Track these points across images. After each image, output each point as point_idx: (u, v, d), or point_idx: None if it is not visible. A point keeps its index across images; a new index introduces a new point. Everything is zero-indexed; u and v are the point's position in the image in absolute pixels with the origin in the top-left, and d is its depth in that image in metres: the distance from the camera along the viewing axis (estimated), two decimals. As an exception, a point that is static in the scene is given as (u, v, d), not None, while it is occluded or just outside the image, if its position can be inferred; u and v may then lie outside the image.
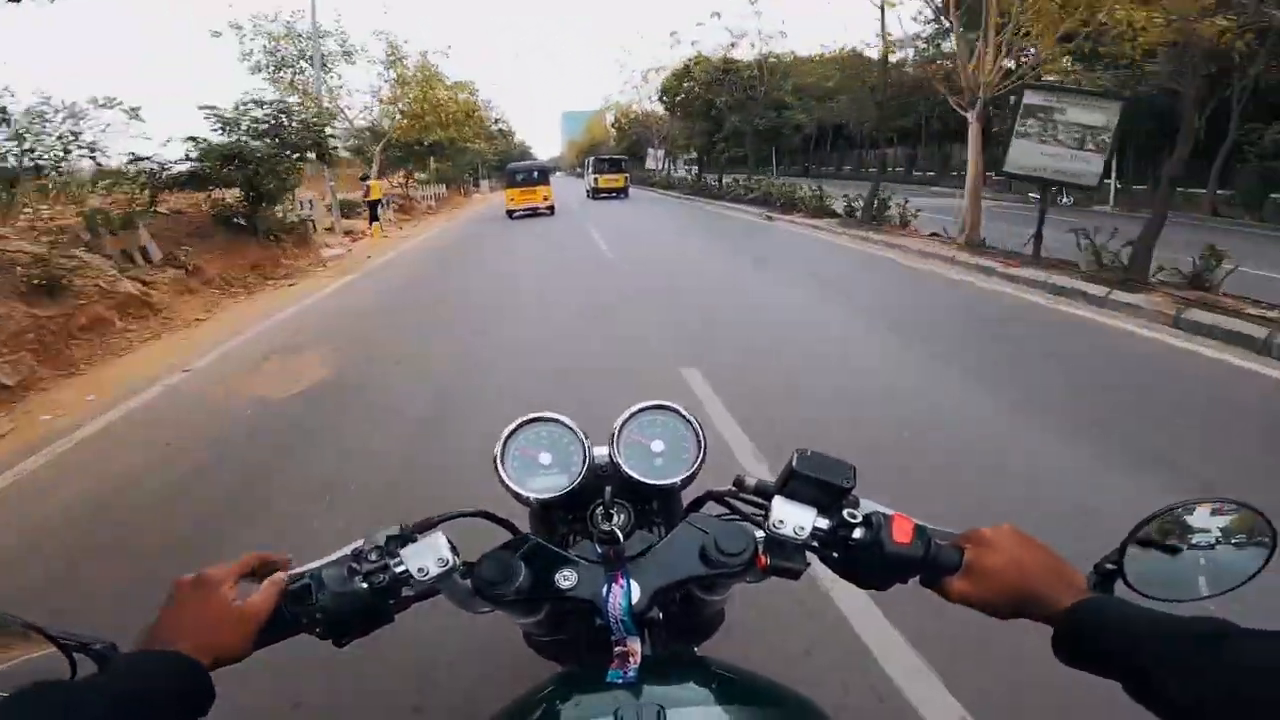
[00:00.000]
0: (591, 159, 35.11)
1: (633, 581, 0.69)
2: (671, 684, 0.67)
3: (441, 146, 26.40)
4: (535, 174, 22.56)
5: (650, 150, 40.69)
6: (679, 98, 29.61)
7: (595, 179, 30.00)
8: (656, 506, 0.83)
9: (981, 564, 0.64)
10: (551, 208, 22.18)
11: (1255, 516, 0.59)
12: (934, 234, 11.24)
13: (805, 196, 16.44)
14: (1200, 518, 0.60)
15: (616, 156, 34.37)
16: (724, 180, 26.70)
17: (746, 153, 27.84)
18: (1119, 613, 0.56)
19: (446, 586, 0.71)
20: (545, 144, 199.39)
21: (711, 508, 0.81)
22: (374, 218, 17.38)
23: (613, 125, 52.59)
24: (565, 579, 0.69)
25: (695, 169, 36.72)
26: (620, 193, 29.50)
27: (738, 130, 27.96)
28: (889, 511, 0.69)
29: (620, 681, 0.63)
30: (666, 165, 42.43)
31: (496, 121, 59.84)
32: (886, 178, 34.03)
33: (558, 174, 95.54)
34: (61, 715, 0.47)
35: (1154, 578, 0.61)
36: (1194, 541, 0.60)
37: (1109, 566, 0.62)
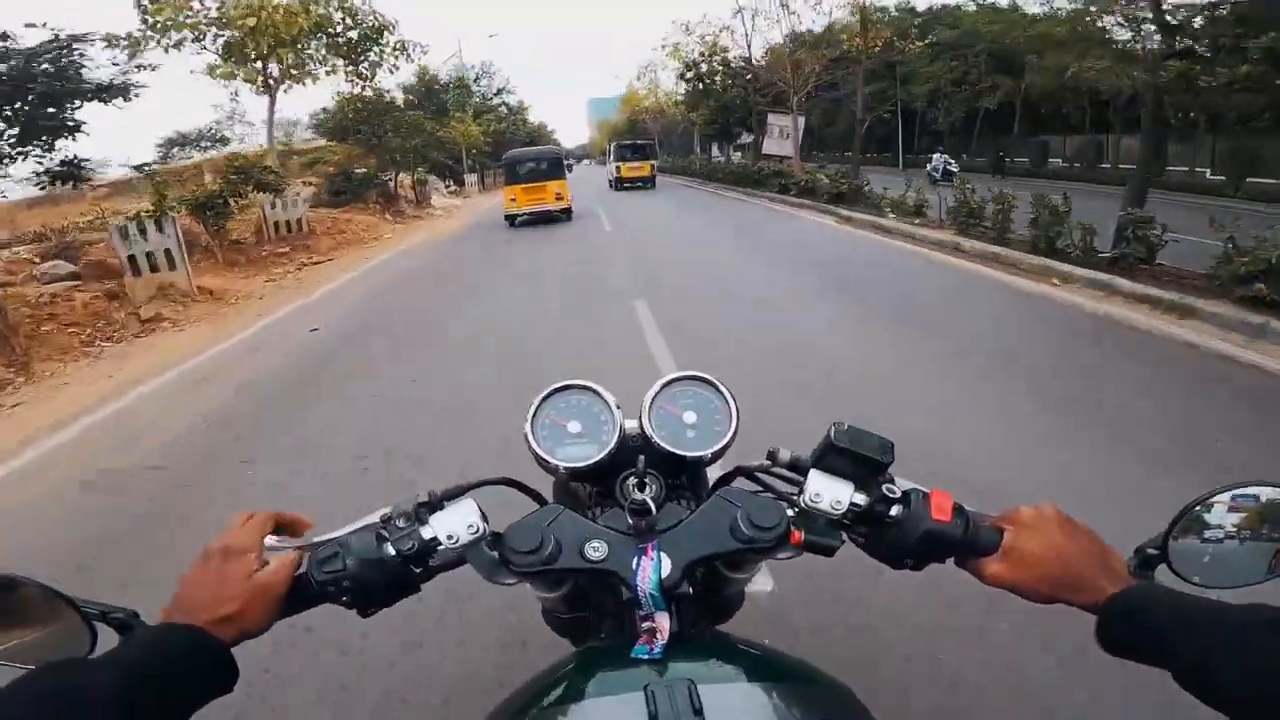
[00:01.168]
0: (613, 144, 30.77)
1: (663, 554, 0.66)
2: (700, 660, 0.65)
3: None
4: (544, 164, 15.45)
5: (776, 119, 20.29)
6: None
7: (617, 168, 26.29)
8: (685, 480, 0.81)
9: (1021, 548, 0.63)
10: (568, 211, 15.38)
11: None
12: None
13: None
14: (1247, 507, 0.59)
15: (640, 141, 29.82)
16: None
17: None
18: (1170, 600, 0.55)
19: (474, 556, 0.69)
20: (571, 132, 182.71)
21: (741, 484, 0.78)
22: None
23: (684, 76, 30.28)
24: (595, 550, 0.67)
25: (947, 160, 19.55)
26: (646, 182, 25.64)
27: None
28: (926, 489, 0.67)
29: (647, 657, 0.62)
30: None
31: (500, 92, 43.36)
32: (1055, 174, 19.84)
33: (585, 162, 79.23)
34: (76, 695, 0.46)
35: (1198, 564, 0.60)
36: (1240, 530, 0.60)
37: (1151, 551, 0.61)
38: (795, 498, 0.68)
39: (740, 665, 0.67)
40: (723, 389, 0.79)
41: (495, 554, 0.67)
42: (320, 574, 0.63)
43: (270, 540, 0.65)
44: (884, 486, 0.66)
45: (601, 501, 0.78)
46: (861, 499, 0.66)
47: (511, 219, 14.94)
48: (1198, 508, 0.60)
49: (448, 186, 29.49)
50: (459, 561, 0.68)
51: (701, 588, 0.79)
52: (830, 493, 0.66)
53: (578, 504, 0.79)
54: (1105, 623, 0.57)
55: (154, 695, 0.49)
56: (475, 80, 40.56)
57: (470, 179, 31.84)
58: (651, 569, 0.64)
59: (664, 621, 0.64)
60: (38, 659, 0.53)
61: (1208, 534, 0.60)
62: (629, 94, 48.10)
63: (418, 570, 0.66)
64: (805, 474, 0.68)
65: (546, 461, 0.76)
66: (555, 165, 15.41)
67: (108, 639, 0.57)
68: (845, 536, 0.68)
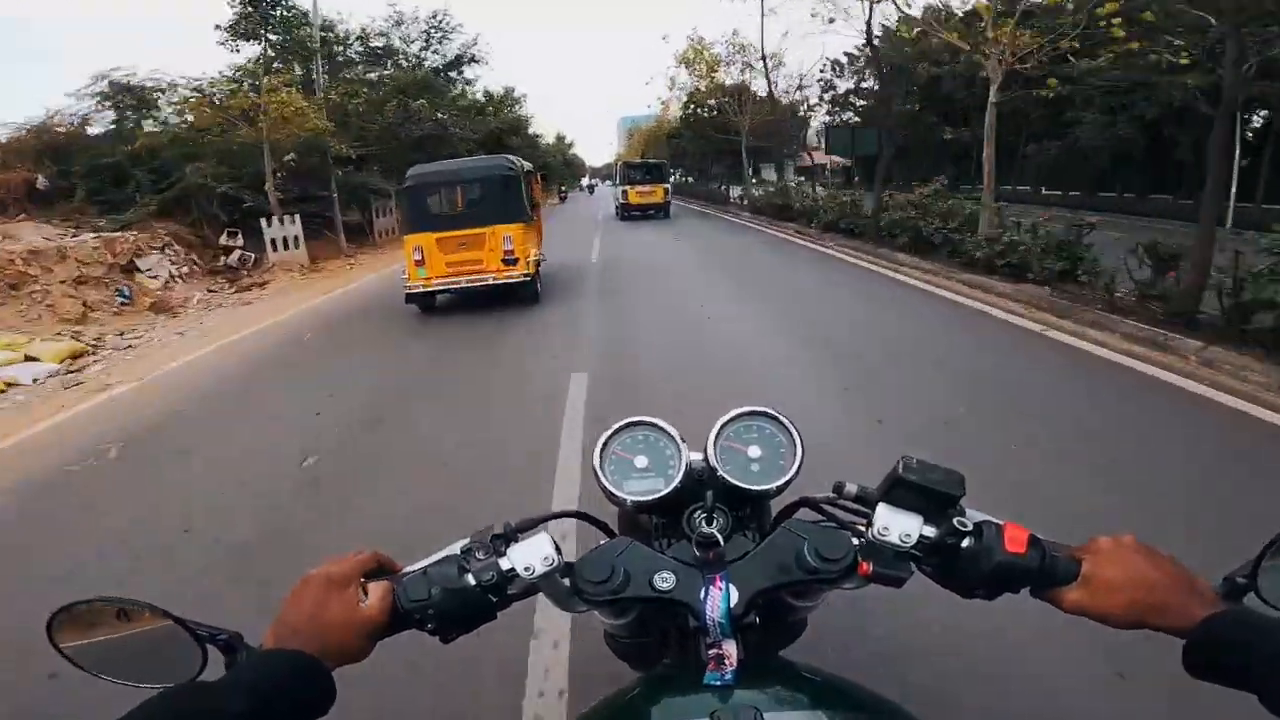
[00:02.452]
0: (620, 164, 27.90)
1: (731, 585, 0.69)
2: (766, 687, 0.67)
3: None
4: (485, 190, 7.93)
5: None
6: None
7: (624, 192, 22.61)
8: (750, 512, 0.83)
9: (1101, 575, 0.62)
10: (530, 284, 7.93)
11: None
12: None
13: None
14: None
15: (651, 161, 25.99)
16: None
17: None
18: (1269, 625, 0.54)
19: (548, 585, 0.71)
20: (600, 152, 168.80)
21: (805, 514, 0.80)
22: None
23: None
24: (663, 580, 0.70)
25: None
26: (658, 210, 22.09)
27: None
28: (999, 521, 0.67)
29: (718, 684, 0.64)
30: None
31: (461, 60, 25.54)
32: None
33: (608, 183, 58.41)
34: (206, 715, 0.50)
35: None
36: None
37: (1240, 580, 0.61)
38: (863, 528, 0.69)
39: (806, 693, 0.68)
40: (788, 424, 0.81)
41: (567, 583, 0.71)
42: (408, 603, 0.67)
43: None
44: (955, 519, 0.66)
45: (668, 533, 0.80)
46: (931, 531, 0.66)
47: (420, 299, 7.86)
48: None
49: (220, 259, 13.11)
50: (533, 590, 0.71)
51: (767, 614, 0.81)
52: (899, 526, 0.66)
53: (643, 535, 0.82)
54: (1195, 647, 0.56)
55: (270, 718, 0.53)
56: (425, 40, 24.63)
57: (287, 231, 13.48)
58: (720, 599, 0.67)
59: (731, 649, 0.67)
60: (153, 678, 0.57)
61: None
62: (687, 51, 23.51)
63: (495, 599, 0.69)
64: (873, 507, 0.68)
65: (614, 495, 0.79)
66: (504, 191, 7.90)
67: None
68: (915, 567, 0.68)
